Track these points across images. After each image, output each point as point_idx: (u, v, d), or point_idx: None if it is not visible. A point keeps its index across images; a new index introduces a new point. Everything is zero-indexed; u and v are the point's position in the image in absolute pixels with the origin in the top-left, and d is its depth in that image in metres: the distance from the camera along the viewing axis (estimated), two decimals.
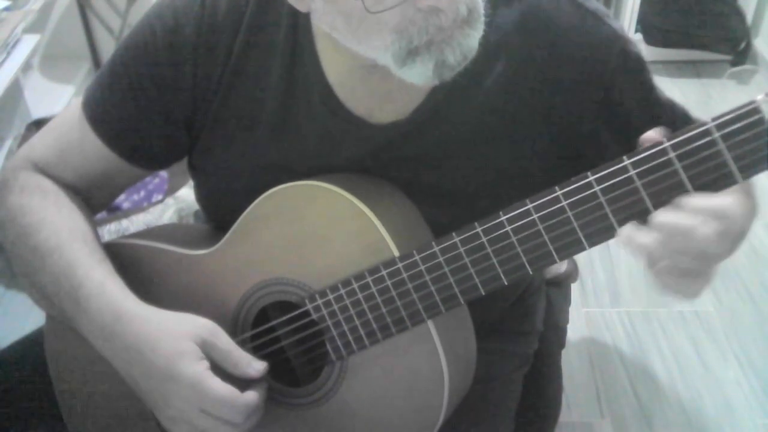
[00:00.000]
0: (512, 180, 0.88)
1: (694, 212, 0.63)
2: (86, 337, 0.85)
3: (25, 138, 2.02)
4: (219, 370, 0.80)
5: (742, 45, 2.88)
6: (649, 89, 0.86)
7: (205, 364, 0.79)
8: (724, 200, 0.63)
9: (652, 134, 0.65)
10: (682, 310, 1.94)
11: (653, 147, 0.63)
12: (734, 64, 2.92)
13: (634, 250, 0.65)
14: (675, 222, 0.63)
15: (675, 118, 0.86)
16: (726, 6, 2.96)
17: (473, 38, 0.73)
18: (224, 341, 0.81)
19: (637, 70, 0.85)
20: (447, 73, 0.74)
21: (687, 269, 0.65)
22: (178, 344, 0.79)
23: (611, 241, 0.69)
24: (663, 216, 0.63)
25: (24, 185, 0.92)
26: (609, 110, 0.84)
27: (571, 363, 1.78)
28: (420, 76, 0.74)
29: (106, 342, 0.83)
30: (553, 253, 0.71)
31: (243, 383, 0.81)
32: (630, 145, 0.67)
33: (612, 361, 1.82)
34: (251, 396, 0.80)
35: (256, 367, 0.82)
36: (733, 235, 0.66)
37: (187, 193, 1.94)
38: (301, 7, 0.77)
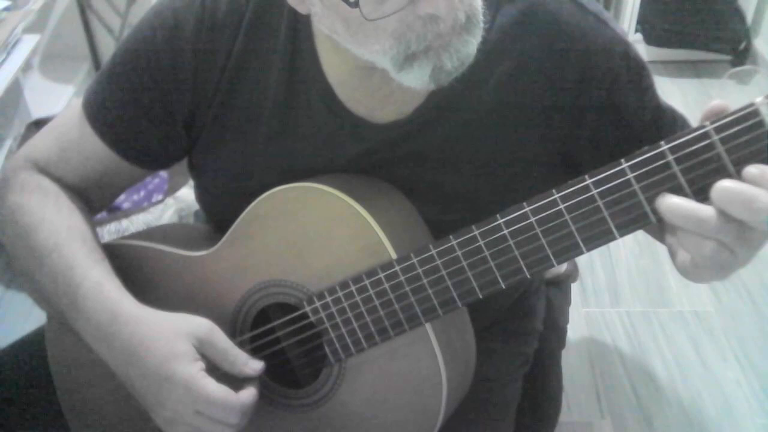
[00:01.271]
0: (512, 180, 0.88)
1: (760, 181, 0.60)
2: (83, 337, 0.85)
3: (25, 138, 2.02)
4: (215, 370, 0.80)
5: (742, 45, 2.88)
6: (651, 94, 0.86)
7: (200, 365, 0.79)
8: None
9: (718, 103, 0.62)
10: (682, 310, 1.94)
11: (651, 150, 0.63)
12: (734, 64, 2.91)
13: (680, 216, 0.62)
14: (742, 187, 0.59)
15: (675, 123, 0.86)
16: (726, 6, 2.95)
17: (471, 45, 0.73)
18: (221, 340, 0.81)
19: (639, 74, 0.85)
20: (444, 79, 0.74)
21: (728, 243, 0.62)
22: (172, 345, 0.79)
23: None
24: (728, 182, 0.60)
25: (24, 185, 0.92)
26: (610, 113, 0.84)
27: (571, 363, 1.78)
28: (417, 80, 0.74)
29: (102, 342, 0.83)
30: (551, 257, 0.70)
31: (238, 383, 0.81)
32: (629, 150, 0.67)
33: (612, 361, 1.82)
34: (245, 395, 0.80)
35: (253, 366, 0.82)
36: None
37: (187, 193, 1.94)
38: (302, 9, 0.77)
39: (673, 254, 0.68)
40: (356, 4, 0.68)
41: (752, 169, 0.60)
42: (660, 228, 0.69)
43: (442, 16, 0.69)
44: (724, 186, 0.60)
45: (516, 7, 0.82)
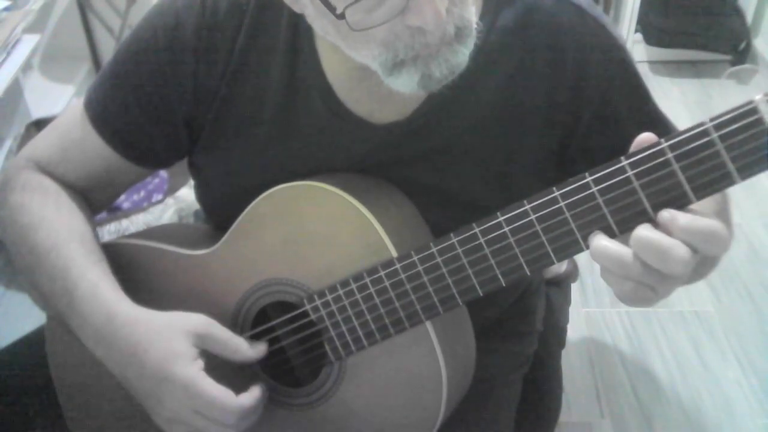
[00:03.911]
0: (511, 181, 0.88)
1: (677, 231, 0.61)
2: (81, 338, 0.85)
3: (25, 138, 2.02)
4: (214, 371, 0.80)
5: (742, 45, 2.89)
6: (645, 101, 0.87)
7: (199, 364, 0.79)
8: (712, 222, 0.61)
9: (647, 136, 0.64)
10: (682, 310, 1.95)
11: (651, 147, 0.63)
12: (734, 64, 2.92)
13: (605, 259, 0.64)
14: (656, 239, 0.61)
15: (669, 131, 0.86)
16: (726, 6, 2.96)
17: (462, 54, 0.73)
18: (220, 331, 0.81)
19: (635, 83, 0.86)
20: (433, 86, 0.74)
21: (648, 284, 0.64)
22: (171, 345, 0.79)
23: None
24: (644, 231, 0.62)
25: (25, 184, 0.92)
26: (601, 119, 0.84)
27: (571, 363, 1.78)
28: (405, 86, 0.74)
29: (99, 344, 0.83)
30: (551, 254, 0.70)
31: (240, 384, 0.81)
32: (622, 152, 0.67)
33: (612, 361, 1.82)
34: (245, 399, 0.80)
35: (257, 349, 0.83)
36: (708, 260, 0.65)
37: (187, 193, 1.94)
38: (296, 8, 0.77)
39: None
40: (342, 17, 0.68)
41: (665, 214, 0.62)
42: None
43: (430, 29, 0.69)
44: (639, 235, 0.62)
45: (515, 9, 0.83)
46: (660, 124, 0.87)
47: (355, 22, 0.68)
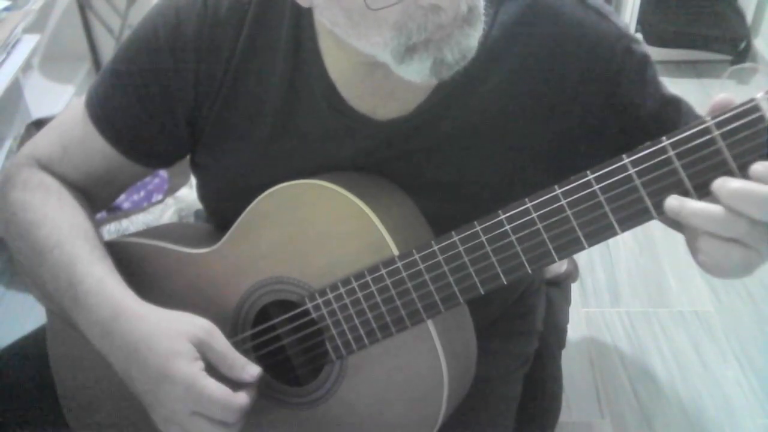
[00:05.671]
0: (515, 176, 0.88)
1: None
2: (84, 333, 0.85)
3: (25, 138, 2.02)
4: (214, 371, 0.80)
5: (742, 45, 2.89)
6: (654, 87, 0.86)
7: (200, 364, 0.79)
8: None
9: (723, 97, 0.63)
10: (682, 310, 1.94)
11: (653, 145, 0.63)
12: (734, 64, 2.92)
13: (704, 220, 0.62)
14: (754, 186, 0.59)
15: (680, 114, 0.87)
16: (726, 6, 2.96)
17: (472, 38, 0.73)
18: (220, 343, 0.81)
19: (642, 68, 0.85)
20: (445, 72, 0.74)
21: (753, 244, 0.62)
22: (174, 344, 0.79)
23: (611, 241, 0.69)
24: (736, 183, 0.60)
25: (26, 182, 0.92)
26: (612, 109, 0.84)
27: (571, 363, 1.78)
28: (418, 73, 0.74)
29: (103, 339, 0.83)
30: (552, 252, 0.70)
31: (236, 383, 0.81)
32: (632, 143, 0.67)
33: (612, 361, 1.82)
34: (244, 396, 0.79)
35: (250, 371, 0.81)
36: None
37: (187, 193, 1.94)
38: (303, 3, 0.77)
39: (694, 252, 0.67)
40: None
41: (759, 167, 0.60)
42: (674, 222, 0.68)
43: (444, 6, 0.69)
44: (732, 187, 0.60)
45: (517, 4, 0.83)
46: (672, 107, 0.87)
47: (370, 1, 0.68)
